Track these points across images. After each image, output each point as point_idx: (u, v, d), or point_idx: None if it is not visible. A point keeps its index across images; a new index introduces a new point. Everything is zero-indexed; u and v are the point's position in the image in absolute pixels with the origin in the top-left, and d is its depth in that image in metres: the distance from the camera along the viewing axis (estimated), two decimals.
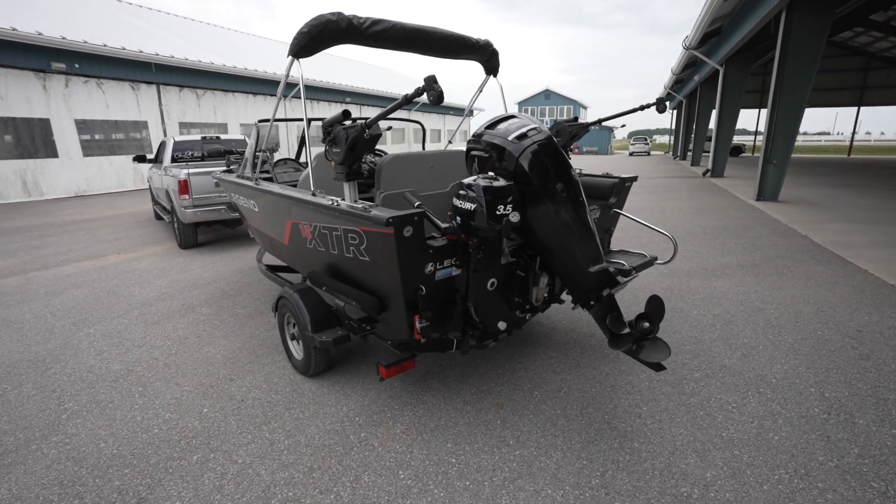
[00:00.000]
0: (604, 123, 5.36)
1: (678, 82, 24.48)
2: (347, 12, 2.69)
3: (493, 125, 2.35)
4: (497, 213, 1.93)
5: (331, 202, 2.34)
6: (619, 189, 3.22)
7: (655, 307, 2.14)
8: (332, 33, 2.62)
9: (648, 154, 39.15)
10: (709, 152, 19.16)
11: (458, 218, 2.01)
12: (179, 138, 7.90)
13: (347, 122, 2.22)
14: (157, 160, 8.19)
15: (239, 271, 5.55)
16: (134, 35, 16.15)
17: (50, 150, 12.89)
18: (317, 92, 22.45)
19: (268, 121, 3.81)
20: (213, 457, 2.27)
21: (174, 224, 6.97)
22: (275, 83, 19.77)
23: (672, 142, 36.30)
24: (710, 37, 14.52)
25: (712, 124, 17.45)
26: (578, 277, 2.21)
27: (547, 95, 44.88)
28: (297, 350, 3.07)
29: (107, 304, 4.52)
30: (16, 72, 12.11)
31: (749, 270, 5.12)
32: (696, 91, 21.29)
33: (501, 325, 2.69)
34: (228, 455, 2.28)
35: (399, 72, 43.12)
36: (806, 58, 8.60)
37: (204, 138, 8.24)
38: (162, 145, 8.12)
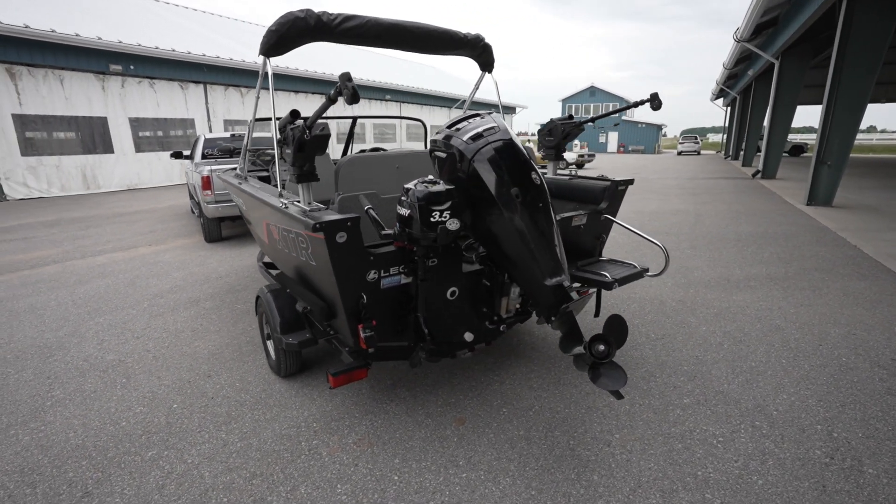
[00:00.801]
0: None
1: (731, 77, 22.97)
2: (317, 9, 2.63)
3: (455, 124, 2.22)
4: (431, 220, 1.81)
5: (281, 204, 2.29)
6: (611, 193, 3.00)
7: (614, 329, 1.94)
8: (301, 31, 2.57)
9: (698, 153, 37.13)
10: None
11: (398, 225, 1.91)
12: (209, 135, 8.25)
13: (298, 122, 2.16)
14: (191, 156, 8.59)
15: (251, 267, 5.69)
16: (183, 37, 17.05)
17: (107, 147, 13.86)
18: (362, 91, 22.82)
19: (262, 120, 3.84)
20: (165, 454, 2.30)
21: (201, 218, 7.28)
22: (313, 82, 20.29)
23: (724, 141, 34.20)
24: (765, 27, 13.47)
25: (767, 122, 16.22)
26: (536, 290, 2.05)
27: (592, 92, 43.44)
28: (271, 350, 3.08)
29: (123, 295, 4.75)
30: (79, 74, 13.08)
31: (778, 283, 4.66)
32: (751, 86, 19.88)
33: (468, 337, 2.56)
34: (180, 454, 2.30)
35: (444, 69, 43.16)
36: (869, 49, 7.75)
37: (232, 136, 8.54)
38: (195, 142, 8.50)
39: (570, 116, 3.34)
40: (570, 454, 2.23)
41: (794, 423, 2.43)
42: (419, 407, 2.66)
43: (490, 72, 3.72)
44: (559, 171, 3.59)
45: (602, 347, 1.83)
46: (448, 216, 1.84)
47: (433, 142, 2.29)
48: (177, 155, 8.84)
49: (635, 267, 2.80)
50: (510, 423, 2.49)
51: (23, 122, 12.19)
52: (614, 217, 3.08)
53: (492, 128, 2.04)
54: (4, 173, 11.94)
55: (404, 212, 1.86)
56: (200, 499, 2.00)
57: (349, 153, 4.14)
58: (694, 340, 3.42)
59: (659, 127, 43.10)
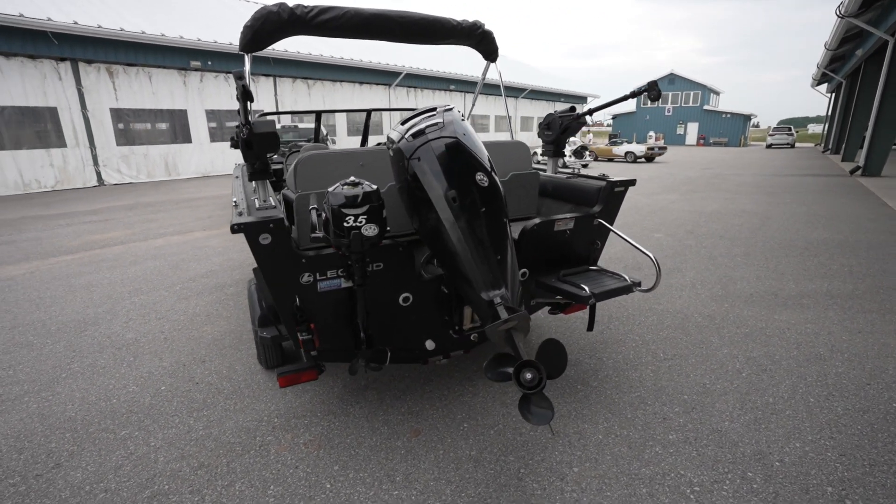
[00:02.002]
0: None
1: (835, 60, 20.10)
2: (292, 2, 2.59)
3: (409, 120, 2.10)
4: (345, 224, 1.71)
5: (233, 202, 2.31)
6: (606, 195, 2.71)
7: (549, 355, 1.73)
8: (275, 25, 2.56)
9: (791, 146, 33.17)
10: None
11: (322, 228, 1.84)
12: None
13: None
14: None
15: None
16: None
17: (186, 137, 15.19)
18: (420, 80, 23.04)
19: (270, 114, 3.93)
20: (136, 435, 2.44)
21: None
22: (378, 73, 20.70)
23: (824, 132, 30.18)
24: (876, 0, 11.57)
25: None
26: (474, 303, 1.88)
27: (671, 80, 40.10)
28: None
29: (164, 277, 5.16)
30: (164, 70, 14.41)
31: (838, 302, 4.00)
32: (859, 69, 17.25)
33: (429, 345, 2.46)
34: (147, 436, 2.43)
35: (516, 58, 42.16)
36: None
37: (282, 127, 8.96)
38: None
39: (573, 108, 3.05)
40: (515, 484, 2.06)
41: (798, 481, 2.05)
42: (381, 413, 2.60)
43: (493, 60, 3.51)
44: (560, 169, 3.31)
45: (529, 376, 1.63)
46: (364, 221, 1.74)
47: (387, 138, 2.19)
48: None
49: (625, 280, 2.51)
50: (466, 440, 2.35)
51: (118, 115, 13.69)
52: (612, 222, 2.79)
53: (435, 124, 1.89)
54: (103, 161, 13.50)
55: (324, 215, 1.79)
56: (146, 483, 2.10)
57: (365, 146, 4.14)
58: (708, 364, 3.03)
59: (747, 117, 38.99)
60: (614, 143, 22.59)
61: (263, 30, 2.57)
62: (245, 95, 1.66)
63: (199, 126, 15.39)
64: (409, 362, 2.51)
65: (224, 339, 3.57)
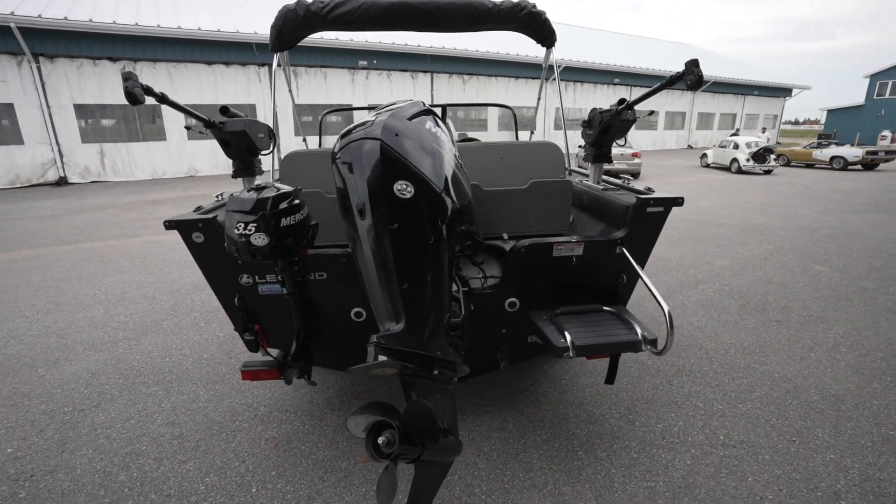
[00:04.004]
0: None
1: None
2: None
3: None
4: (236, 230, 1.61)
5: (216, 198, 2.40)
6: (636, 215, 2.08)
7: (411, 420, 1.35)
8: (294, 24, 2.59)
9: None
10: None
11: None
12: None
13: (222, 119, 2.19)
14: None
15: None
16: (412, 32, 19.23)
17: None
18: (578, 73, 21.82)
19: (340, 109, 4.08)
20: (158, 394, 2.82)
21: None
22: (529, 66, 20.22)
23: None
24: None
25: None
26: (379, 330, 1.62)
27: None
28: None
29: None
30: (336, 70, 16.49)
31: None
32: None
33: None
34: (164, 398, 2.78)
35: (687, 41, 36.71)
36: None
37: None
38: None
39: (622, 101, 2.38)
40: None
41: None
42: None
43: (548, 46, 3.01)
44: (605, 178, 2.69)
45: (382, 440, 1.31)
46: (254, 229, 1.61)
47: None
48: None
49: (635, 333, 1.89)
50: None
51: (299, 110, 16.15)
52: (646, 251, 2.14)
53: (363, 125, 1.65)
54: (285, 150, 16.19)
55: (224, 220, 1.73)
56: (133, 439, 2.40)
57: None
58: (795, 473, 2.12)
59: None
60: (819, 146, 17.84)
61: (285, 29, 2.64)
62: (130, 98, 1.64)
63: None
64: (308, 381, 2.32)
65: None
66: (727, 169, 16.15)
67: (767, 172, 15.20)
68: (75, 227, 7.54)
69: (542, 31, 2.87)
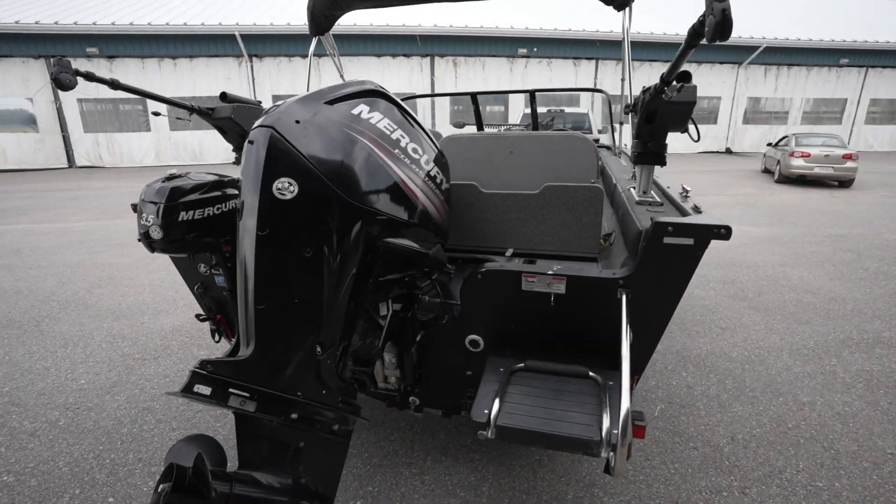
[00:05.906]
0: None
1: None
2: None
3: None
4: (143, 221, 1.56)
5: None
6: (648, 246, 1.40)
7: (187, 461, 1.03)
8: (323, 4, 2.49)
9: None
10: None
11: None
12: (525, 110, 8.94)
13: (222, 105, 2.17)
14: None
15: None
16: (579, 15, 17.44)
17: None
18: (779, 55, 17.49)
19: (412, 97, 3.87)
20: (167, 364, 3.09)
21: None
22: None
23: None
24: None
25: None
26: None
27: None
28: None
29: None
30: (495, 59, 16.44)
31: None
32: None
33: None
34: (171, 366, 3.05)
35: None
36: None
37: (550, 111, 8.99)
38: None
39: (685, 73, 1.49)
40: None
41: None
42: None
43: (619, 8, 2.29)
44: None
45: (161, 487, 1.04)
46: (152, 220, 1.51)
47: None
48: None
49: (595, 429, 1.25)
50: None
51: (453, 101, 16.62)
52: (668, 302, 1.43)
53: (270, 108, 1.39)
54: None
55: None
56: (139, 405, 2.65)
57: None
58: None
59: None
60: None
61: (316, 10, 2.58)
62: (58, 84, 1.62)
63: (519, 107, 16.95)
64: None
65: None
66: None
67: None
68: None
69: None
